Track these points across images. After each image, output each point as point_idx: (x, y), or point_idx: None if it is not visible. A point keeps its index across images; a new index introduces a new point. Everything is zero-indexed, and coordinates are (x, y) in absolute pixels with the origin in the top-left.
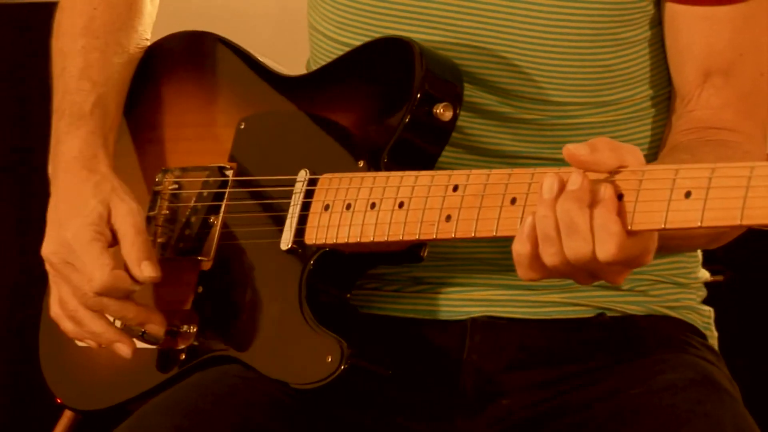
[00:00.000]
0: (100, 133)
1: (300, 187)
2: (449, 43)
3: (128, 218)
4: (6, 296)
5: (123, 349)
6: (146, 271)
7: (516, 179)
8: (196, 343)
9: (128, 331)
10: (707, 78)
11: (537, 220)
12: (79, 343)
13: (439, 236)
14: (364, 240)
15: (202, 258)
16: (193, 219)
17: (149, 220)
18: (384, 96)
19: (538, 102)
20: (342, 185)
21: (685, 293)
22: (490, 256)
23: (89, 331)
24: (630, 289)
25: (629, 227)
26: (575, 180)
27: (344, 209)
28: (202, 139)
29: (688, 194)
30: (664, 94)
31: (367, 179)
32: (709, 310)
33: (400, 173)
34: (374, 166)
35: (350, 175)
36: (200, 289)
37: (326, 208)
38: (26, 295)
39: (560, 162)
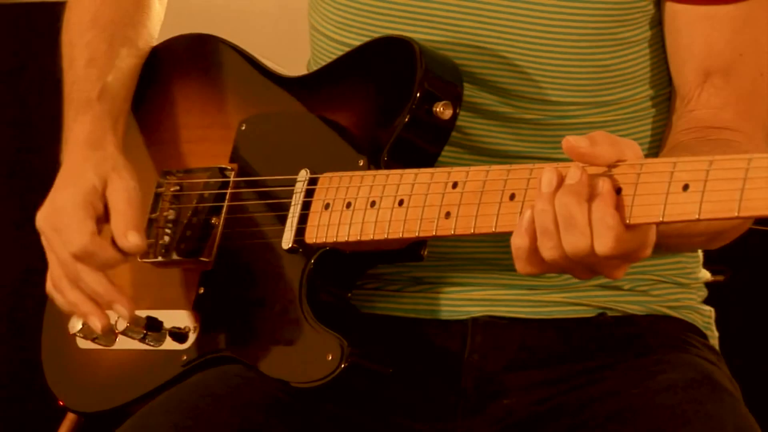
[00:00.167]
0: (108, 117)
1: (300, 187)
2: (449, 43)
3: (122, 193)
4: (6, 296)
5: (95, 322)
6: (132, 238)
7: (515, 175)
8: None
9: (129, 333)
10: (707, 78)
11: (536, 214)
12: (81, 345)
13: (439, 233)
14: (364, 238)
15: (204, 259)
16: (194, 220)
17: (151, 222)
18: (384, 95)
19: (538, 102)
20: (342, 184)
21: (686, 293)
22: (490, 256)
23: (68, 301)
24: (631, 289)
25: (627, 221)
26: (574, 174)
27: (344, 208)
28: (203, 141)
29: (686, 187)
30: (665, 94)
31: (367, 178)
32: (709, 310)
33: (399, 171)
34: (374, 164)
35: (350, 173)
36: (202, 290)
37: (326, 207)
38: (26, 294)
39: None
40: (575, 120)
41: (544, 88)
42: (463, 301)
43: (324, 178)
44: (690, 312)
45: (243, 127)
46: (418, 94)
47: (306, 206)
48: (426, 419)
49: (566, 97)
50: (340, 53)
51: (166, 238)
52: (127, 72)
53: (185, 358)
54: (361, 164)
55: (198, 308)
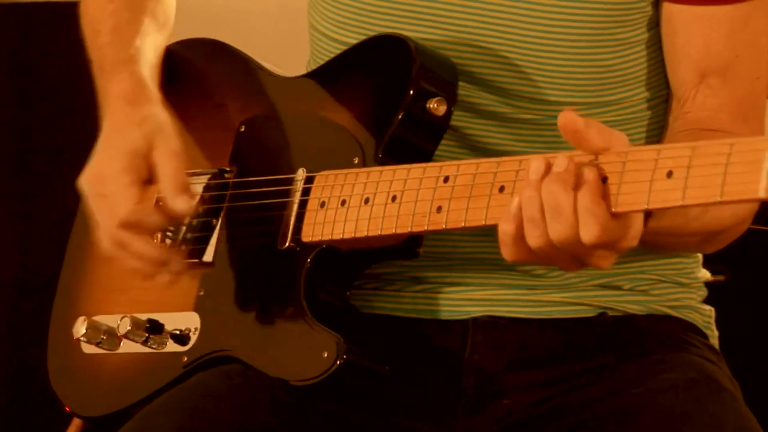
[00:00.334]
0: (145, 72)
1: (298, 186)
2: (450, 43)
3: (170, 156)
4: (6, 295)
5: (164, 277)
6: (181, 203)
7: (504, 167)
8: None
9: (132, 336)
10: (703, 79)
11: (523, 202)
12: (86, 350)
13: (431, 227)
14: (359, 235)
15: (204, 260)
16: (194, 222)
17: None
18: (379, 92)
19: (537, 102)
20: (337, 182)
21: (686, 293)
22: (491, 256)
23: (127, 264)
24: (631, 289)
25: (613, 209)
26: (561, 162)
27: (339, 205)
28: (203, 143)
29: (669, 174)
30: (663, 96)
31: (361, 175)
32: (710, 310)
33: (392, 167)
34: (370, 162)
35: (345, 171)
36: (202, 292)
37: (322, 205)
38: (27, 292)
39: None
40: None
41: (543, 88)
42: (463, 301)
43: (320, 177)
44: (690, 312)
45: (242, 129)
46: (411, 91)
47: (303, 205)
48: (426, 419)
49: (565, 97)
50: (340, 53)
51: (168, 241)
52: (152, 42)
53: (186, 359)
54: (357, 162)
55: (199, 310)
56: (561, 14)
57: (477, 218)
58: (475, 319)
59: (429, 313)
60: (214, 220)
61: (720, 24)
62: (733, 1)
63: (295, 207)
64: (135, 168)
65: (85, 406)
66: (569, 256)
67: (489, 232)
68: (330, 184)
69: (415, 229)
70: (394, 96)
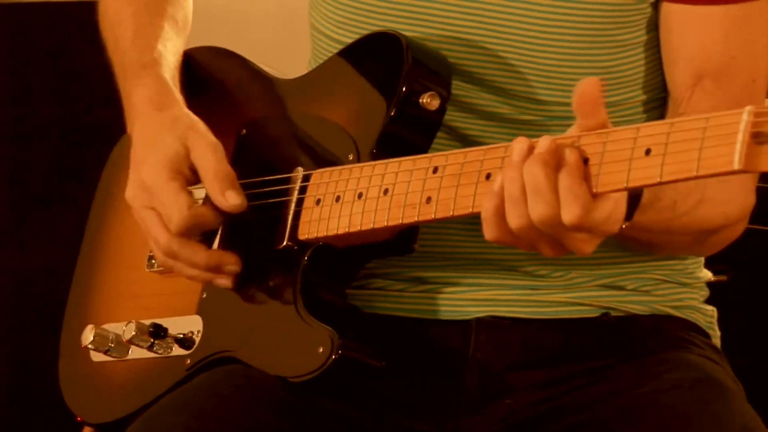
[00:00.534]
0: (167, 76)
1: (296, 185)
2: (449, 43)
3: (209, 153)
4: (6, 296)
5: (223, 280)
6: (231, 198)
7: (491, 154)
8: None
9: (137, 342)
10: (698, 80)
11: (505, 182)
12: (94, 358)
13: (421, 218)
14: (352, 229)
15: None
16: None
17: None
18: (373, 89)
19: (536, 102)
20: (332, 179)
21: (689, 293)
22: (493, 256)
23: (184, 274)
24: (634, 289)
25: (594, 190)
26: (543, 144)
27: (334, 202)
28: None
29: (648, 151)
30: (661, 99)
31: (354, 170)
32: (712, 310)
33: (385, 161)
34: (364, 158)
35: (339, 168)
36: (204, 295)
37: (317, 202)
38: (27, 292)
39: None
40: (572, 121)
41: (541, 89)
42: (466, 301)
43: (316, 175)
44: (692, 312)
45: (243, 132)
46: (403, 87)
47: (300, 203)
48: (427, 419)
49: (563, 97)
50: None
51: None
52: (173, 45)
53: (189, 362)
54: (351, 158)
55: (201, 312)
56: (558, 14)
57: (465, 206)
58: (478, 320)
59: (431, 314)
60: None
61: (715, 25)
62: (729, 1)
63: (293, 206)
64: (179, 172)
65: (94, 413)
66: (550, 239)
67: None
68: (325, 181)
69: (406, 221)
70: (387, 92)
